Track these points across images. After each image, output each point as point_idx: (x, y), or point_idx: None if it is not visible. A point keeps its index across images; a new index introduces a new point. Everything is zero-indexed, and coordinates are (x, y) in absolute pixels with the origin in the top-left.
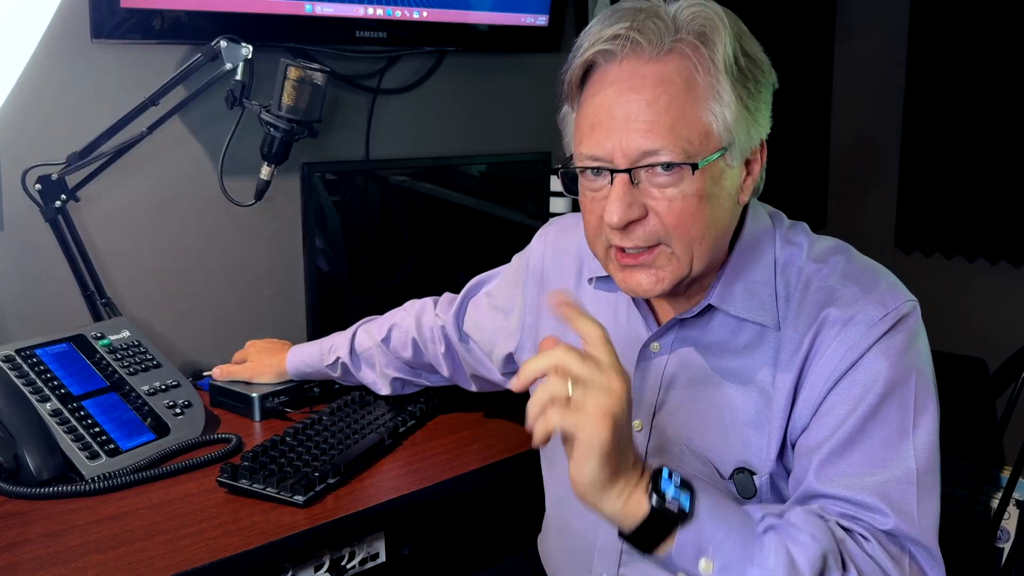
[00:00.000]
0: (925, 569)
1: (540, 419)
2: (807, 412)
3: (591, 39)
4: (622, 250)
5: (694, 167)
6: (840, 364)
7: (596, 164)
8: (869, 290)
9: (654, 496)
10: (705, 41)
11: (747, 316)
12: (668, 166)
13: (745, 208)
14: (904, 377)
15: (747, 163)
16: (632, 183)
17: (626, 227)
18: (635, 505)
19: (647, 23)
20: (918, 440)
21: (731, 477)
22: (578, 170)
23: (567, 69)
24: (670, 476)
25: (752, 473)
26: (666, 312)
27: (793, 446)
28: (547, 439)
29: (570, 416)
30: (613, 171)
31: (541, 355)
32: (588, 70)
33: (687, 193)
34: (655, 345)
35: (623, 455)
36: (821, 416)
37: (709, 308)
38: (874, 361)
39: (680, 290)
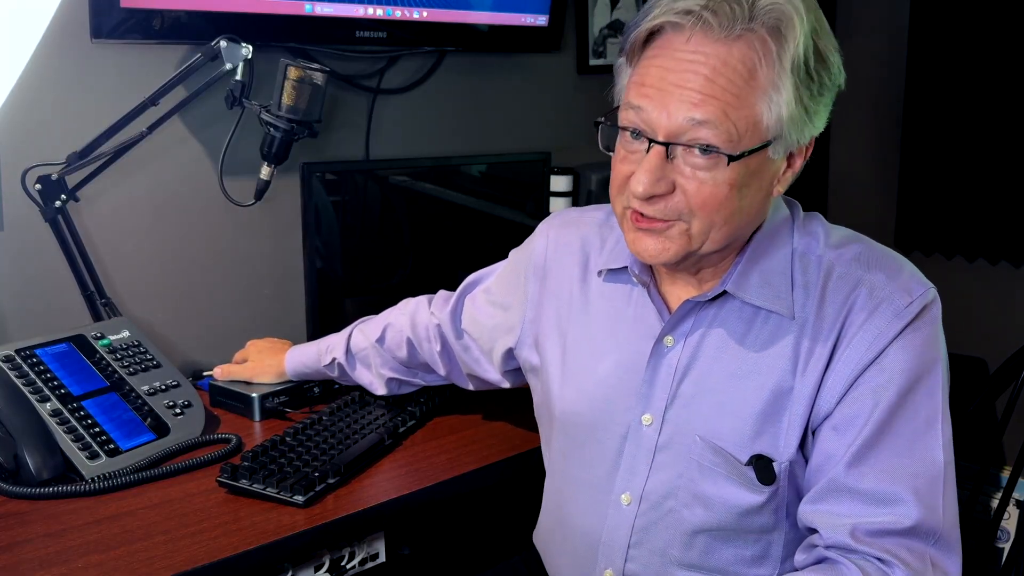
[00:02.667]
0: (946, 567)
1: None
2: (832, 399)
3: (663, 7)
4: (639, 212)
5: (730, 158)
6: (867, 352)
7: (637, 129)
8: (894, 277)
9: None
10: (777, 36)
11: (762, 304)
12: (706, 149)
13: None
14: (930, 366)
15: (789, 156)
16: (667, 157)
17: (649, 198)
18: None
19: (723, 4)
20: (945, 430)
21: (749, 464)
22: (620, 128)
23: (634, 27)
24: None
25: (771, 460)
26: (678, 301)
27: (814, 432)
28: None
29: None
30: (652, 140)
31: None
32: (653, 33)
33: (719, 180)
34: (668, 339)
35: None
36: (847, 406)
37: (724, 295)
38: (901, 350)
39: (691, 269)
